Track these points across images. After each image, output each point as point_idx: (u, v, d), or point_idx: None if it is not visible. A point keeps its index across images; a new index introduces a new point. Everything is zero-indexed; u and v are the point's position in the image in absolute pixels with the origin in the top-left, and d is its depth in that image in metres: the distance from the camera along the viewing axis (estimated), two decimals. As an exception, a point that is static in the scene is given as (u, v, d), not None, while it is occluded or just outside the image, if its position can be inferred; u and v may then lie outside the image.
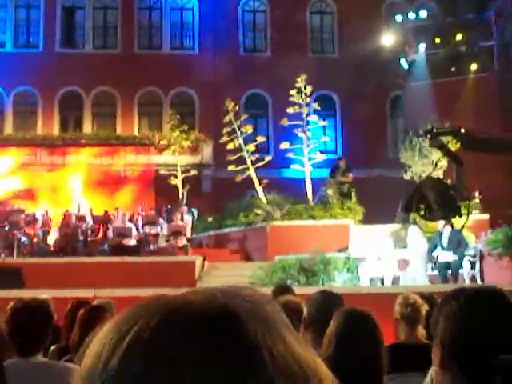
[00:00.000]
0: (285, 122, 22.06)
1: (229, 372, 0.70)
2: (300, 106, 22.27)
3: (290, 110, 22.27)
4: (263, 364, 0.71)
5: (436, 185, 14.45)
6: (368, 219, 19.82)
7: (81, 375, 0.75)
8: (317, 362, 0.76)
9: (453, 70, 26.66)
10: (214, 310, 0.74)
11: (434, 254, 15.69)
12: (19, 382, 3.63)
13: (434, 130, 15.55)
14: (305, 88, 22.35)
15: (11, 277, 14.17)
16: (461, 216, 14.62)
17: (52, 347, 5.53)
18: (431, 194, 13.96)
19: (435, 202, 13.86)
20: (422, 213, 14.32)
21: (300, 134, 22.16)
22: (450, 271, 15.42)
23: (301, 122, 22.23)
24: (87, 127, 32.58)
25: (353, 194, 20.86)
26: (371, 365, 3.13)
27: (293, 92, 22.42)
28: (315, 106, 23.07)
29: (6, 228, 21.94)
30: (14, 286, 12.66)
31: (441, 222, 15.83)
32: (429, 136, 15.74)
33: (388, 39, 27.59)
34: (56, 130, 32.33)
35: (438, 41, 26.94)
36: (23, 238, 21.27)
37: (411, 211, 15.22)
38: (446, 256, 15.39)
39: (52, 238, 22.34)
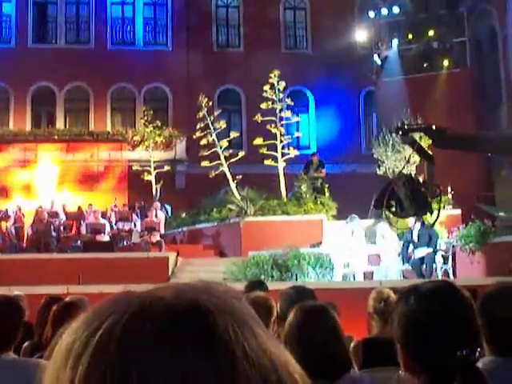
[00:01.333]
0: (258, 118, 22.05)
1: (201, 367, 0.70)
2: (273, 101, 22.26)
3: (263, 106, 22.25)
4: (236, 359, 0.71)
5: (407, 182, 14.38)
6: (341, 215, 19.86)
7: (50, 371, 0.75)
8: (287, 357, 0.77)
9: (425, 65, 26.81)
10: (184, 305, 0.74)
11: (410, 251, 15.79)
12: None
13: (406, 127, 15.64)
14: (278, 84, 22.33)
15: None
16: (432, 213, 14.71)
17: (24, 344, 5.50)
18: (402, 191, 13.96)
19: (406, 198, 13.86)
20: (393, 209, 14.40)
21: (273, 130, 22.15)
22: (424, 266, 15.51)
23: (274, 118, 22.22)
24: (60, 123, 32.35)
25: (326, 189, 20.90)
26: (333, 357, 3.11)
27: (266, 88, 22.41)
28: (288, 101, 23.07)
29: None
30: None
31: (412, 219, 15.93)
32: (400, 133, 15.85)
33: (361, 35, 27.69)
34: (28, 126, 32.07)
35: (410, 37, 27.07)
36: (-5, 235, 21.14)
37: (382, 208, 15.24)
38: (420, 252, 15.49)
39: (25, 235, 22.18)
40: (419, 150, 15.53)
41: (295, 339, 3.14)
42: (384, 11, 27.40)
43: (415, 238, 15.70)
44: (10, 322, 3.85)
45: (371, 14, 27.64)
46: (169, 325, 0.72)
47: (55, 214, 23.06)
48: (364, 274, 15.91)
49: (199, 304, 0.74)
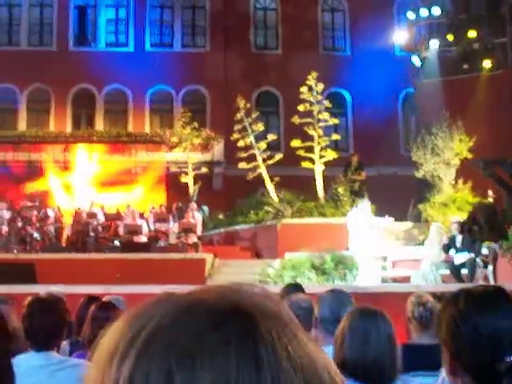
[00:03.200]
0: (296, 120, 22.00)
1: (245, 370, 0.70)
2: (311, 103, 22.21)
3: (300, 108, 22.20)
4: (280, 361, 0.71)
5: (486, 210, 17.23)
6: (379, 217, 19.72)
7: (93, 371, 0.74)
8: (327, 360, 0.77)
9: (465, 67, 26.53)
10: (227, 308, 0.74)
11: (450, 254, 15.71)
12: (30, 376, 3.63)
13: (485, 161, 18.39)
14: (316, 85, 22.27)
15: (24, 272, 14.26)
16: (507, 239, 15.25)
17: (63, 342, 5.55)
18: (481, 218, 16.70)
19: (484, 224, 16.51)
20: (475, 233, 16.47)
21: (311, 132, 22.09)
22: (465, 271, 15.38)
23: (312, 120, 22.16)
24: (99, 124, 32.68)
25: (365, 192, 20.70)
26: (384, 364, 3.12)
27: (304, 89, 22.35)
28: (326, 103, 22.99)
29: (19, 224, 22.08)
30: (27, 281, 12.72)
31: (455, 224, 16.19)
32: (482, 166, 18.35)
33: (400, 36, 27.49)
34: (68, 128, 32.45)
35: (450, 38, 26.80)
36: (35, 234, 21.37)
37: (465, 232, 16.68)
38: (461, 257, 15.37)
39: (64, 235, 22.43)
40: (499, 181, 18.29)
41: (347, 341, 3.14)
42: (423, 12, 27.16)
43: (458, 243, 15.65)
44: (57, 320, 3.91)
45: (410, 14, 27.42)
46: (212, 327, 0.72)
47: (93, 215, 23.26)
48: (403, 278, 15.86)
49: (241, 307, 0.74)
